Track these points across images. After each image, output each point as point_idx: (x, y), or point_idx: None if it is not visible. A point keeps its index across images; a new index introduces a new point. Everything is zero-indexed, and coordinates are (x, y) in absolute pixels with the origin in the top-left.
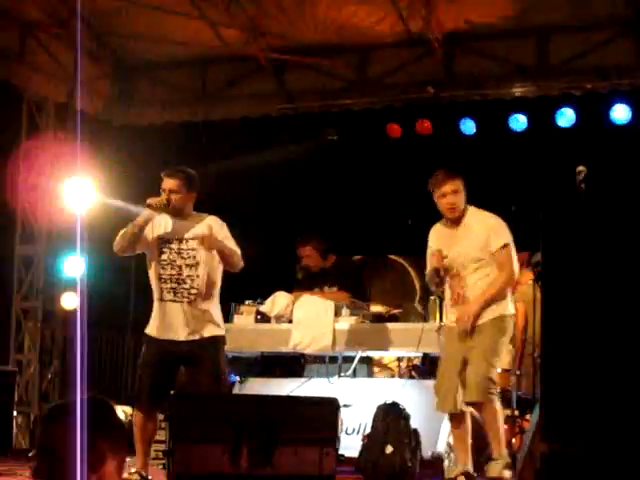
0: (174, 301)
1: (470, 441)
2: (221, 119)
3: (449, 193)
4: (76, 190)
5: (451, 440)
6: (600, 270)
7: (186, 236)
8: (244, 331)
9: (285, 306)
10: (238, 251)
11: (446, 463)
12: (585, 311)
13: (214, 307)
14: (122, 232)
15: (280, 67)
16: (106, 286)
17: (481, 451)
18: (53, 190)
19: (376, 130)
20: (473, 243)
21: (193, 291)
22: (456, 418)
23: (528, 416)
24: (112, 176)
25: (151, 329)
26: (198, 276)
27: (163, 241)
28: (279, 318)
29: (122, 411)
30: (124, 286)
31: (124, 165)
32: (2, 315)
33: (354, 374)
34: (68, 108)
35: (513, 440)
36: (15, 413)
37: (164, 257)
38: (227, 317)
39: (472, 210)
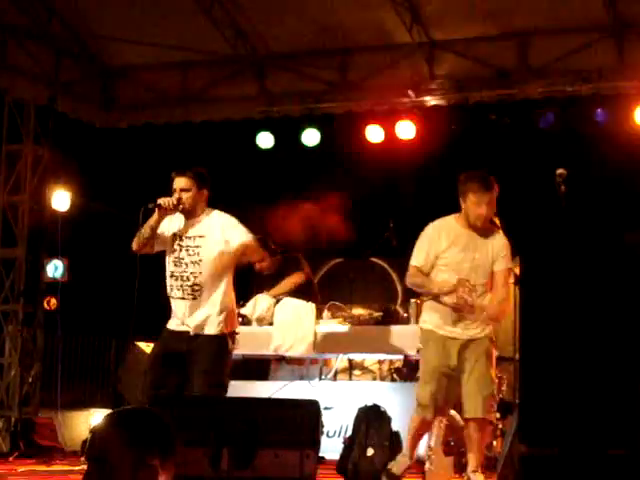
0: (181, 298)
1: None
2: (202, 121)
3: (484, 204)
4: (57, 192)
5: (432, 443)
6: (579, 274)
7: (192, 234)
8: None
9: (266, 309)
10: (249, 241)
11: (427, 466)
12: (563, 314)
13: (221, 305)
14: (138, 233)
15: (261, 70)
16: (89, 290)
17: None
18: (35, 192)
19: (357, 133)
20: (490, 255)
21: (196, 287)
22: (429, 424)
23: (509, 419)
24: (94, 177)
25: (168, 324)
26: (201, 273)
27: (175, 239)
28: (260, 321)
29: (104, 415)
30: (108, 290)
31: (106, 167)
32: None
33: (334, 377)
34: (49, 110)
35: (494, 443)
36: None
37: (176, 255)
38: None
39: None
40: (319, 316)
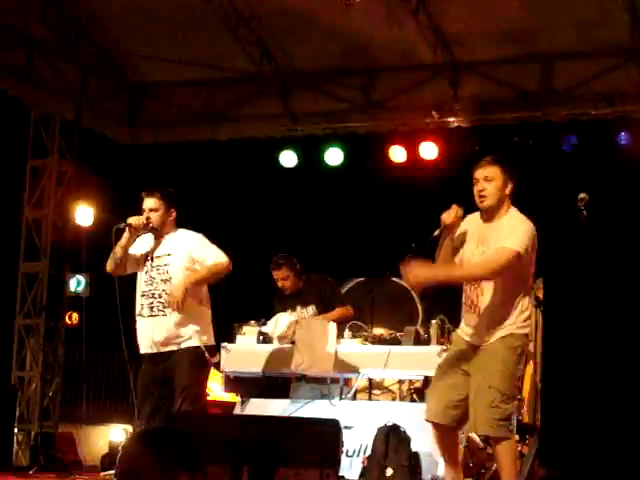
0: (151, 316)
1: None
2: (227, 139)
3: (481, 179)
4: (81, 208)
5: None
6: (601, 297)
7: (160, 252)
8: (246, 351)
9: (287, 327)
10: (218, 259)
11: None
12: (585, 337)
13: (194, 320)
14: (112, 253)
15: (286, 89)
16: (109, 305)
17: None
18: (58, 207)
19: (380, 153)
20: (498, 243)
21: (167, 304)
22: (442, 429)
23: (528, 441)
24: (116, 194)
25: (139, 347)
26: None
27: (145, 258)
28: (281, 339)
29: (123, 430)
30: (127, 304)
31: (128, 183)
32: (4, 332)
33: (354, 396)
34: (74, 126)
35: None
36: (16, 430)
37: (148, 274)
38: (230, 337)
39: (513, 211)
40: (340, 335)
